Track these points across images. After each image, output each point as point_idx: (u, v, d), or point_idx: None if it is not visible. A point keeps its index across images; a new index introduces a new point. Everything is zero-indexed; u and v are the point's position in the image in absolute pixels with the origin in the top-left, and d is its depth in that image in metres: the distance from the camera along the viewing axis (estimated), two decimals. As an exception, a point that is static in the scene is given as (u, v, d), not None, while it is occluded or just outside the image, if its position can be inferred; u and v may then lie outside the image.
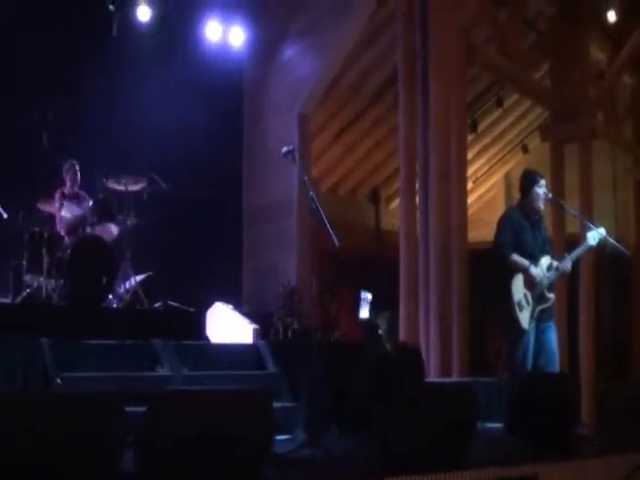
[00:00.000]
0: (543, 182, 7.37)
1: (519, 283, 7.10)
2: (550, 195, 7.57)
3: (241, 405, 4.30)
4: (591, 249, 7.43)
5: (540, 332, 7.10)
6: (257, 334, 8.33)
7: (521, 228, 7.25)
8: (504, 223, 7.32)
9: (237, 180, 11.89)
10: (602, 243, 7.39)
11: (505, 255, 7.11)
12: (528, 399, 5.81)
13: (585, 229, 7.62)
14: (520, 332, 7.03)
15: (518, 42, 10.76)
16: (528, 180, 7.39)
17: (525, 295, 7.08)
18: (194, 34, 10.82)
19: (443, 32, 9.52)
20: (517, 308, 7.03)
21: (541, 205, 7.37)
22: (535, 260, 7.16)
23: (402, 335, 9.47)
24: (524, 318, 7.03)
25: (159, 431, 3.95)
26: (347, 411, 6.48)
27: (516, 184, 7.72)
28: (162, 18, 10.27)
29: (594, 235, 7.25)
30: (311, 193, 5.84)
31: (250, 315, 8.82)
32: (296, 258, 11.18)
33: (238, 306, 9.23)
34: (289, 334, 9.24)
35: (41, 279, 8.25)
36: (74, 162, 9.03)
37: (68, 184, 9.02)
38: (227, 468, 4.03)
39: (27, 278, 8.31)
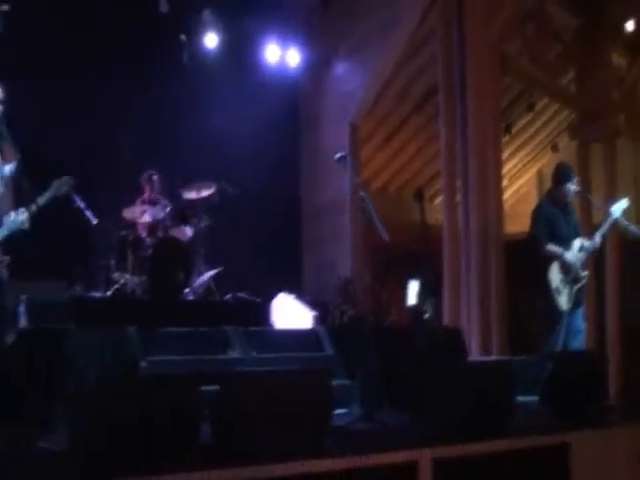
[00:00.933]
0: (576, 180, 7.30)
1: (555, 270, 7.05)
2: (579, 189, 7.50)
3: (303, 383, 4.34)
4: (617, 222, 7.27)
5: (570, 315, 7.04)
6: (316, 320, 8.35)
7: (553, 216, 7.20)
8: (537, 215, 7.28)
9: (295, 183, 11.92)
10: (625, 225, 7.23)
11: (541, 245, 7.07)
12: (561, 375, 5.77)
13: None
14: (559, 314, 6.98)
15: (546, 53, 10.67)
16: (563, 174, 7.31)
17: (562, 280, 7.03)
18: (256, 56, 10.90)
19: (478, 46, 9.48)
20: (556, 293, 6.99)
21: (570, 200, 7.32)
22: (568, 243, 7.10)
23: (446, 319, 9.46)
24: (563, 301, 6.99)
25: (231, 407, 4.01)
26: (397, 388, 6.49)
27: (548, 180, 7.66)
28: (227, 44, 10.37)
29: (618, 207, 7.14)
30: (362, 194, 5.85)
31: (310, 303, 8.84)
32: (350, 252, 11.19)
33: (299, 296, 9.25)
34: (345, 320, 9.25)
35: (127, 276, 8.38)
36: (151, 172, 9.13)
37: (147, 192, 9.13)
38: (292, 439, 4.08)
39: (115, 276, 8.44)
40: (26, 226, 4.85)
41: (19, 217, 4.83)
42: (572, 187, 7.22)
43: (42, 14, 8.65)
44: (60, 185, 4.92)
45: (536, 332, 9.35)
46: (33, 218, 4.80)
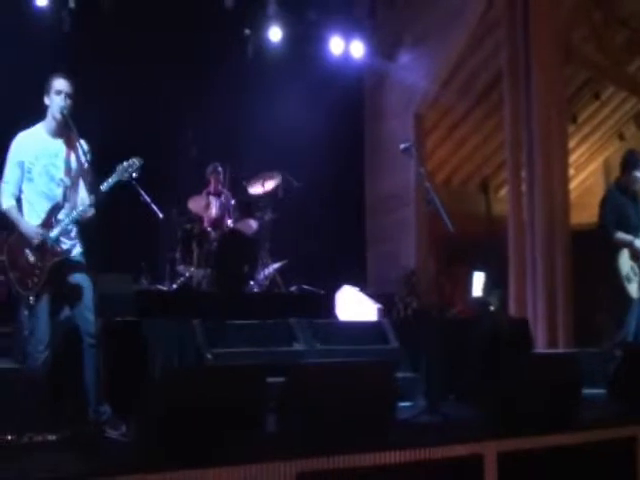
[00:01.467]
0: None
1: (625, 257, 6.93)
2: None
3: (367, 376, 4.35)
4: None
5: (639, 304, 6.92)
6: (380, 313, 8.33)
7: (622, 204, 7.08)
8: (606, 204, 7.16)
9: (360, 175, 11.90)
10: None
11: (610, 234, 6.96)
12: (630, 367, 5.67)
13: None
14: (630, 302, 6.87)
15: (613, 40, 10.48)
16: (632, 162, 7.18)
17: (632, 267, 6.92)
18: (320, 49, 10.88)
19: (543, 34, 9.37)
20: (626, 281, 6.88)
21: (638, 188, 7.17)
22: (638, 232, 6.99)
23: (512, 311, 9.37)
24: (633, 289, 6.87)
25: (296, 399, 4.03)
26: (462, 380, 6.45)
27: (615, 170, 7.55)
28: (291, 37, 10.39)
29: None
30: (427, 185, 5.82)
31: (374, 296, 8.83)
32: (414, 244, 11.13)
33: (363, 288, 9.24)
34: (409, 312, 9.22)
35: (192, 269, 8.45)
36: (217, 164, 9.19)
37: (212, 184, 9.19)
38: (356, 431, 4.08)
39: (180, 268, 8.53)
40: (90, 214, 4.92)
41: (86, 204, 4.92)
42: (639, 174, 7.08)
43: (108, 12, 8.78)
44: (126, 168, 4.96)
45: (601, 324, 9.22)
46: (99, 206, 4.85)
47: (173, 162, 8.82)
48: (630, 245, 6.92)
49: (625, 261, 6.92)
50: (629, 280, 6.88)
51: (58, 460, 3.91)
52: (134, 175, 5.02)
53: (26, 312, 4.94)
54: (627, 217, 7.02)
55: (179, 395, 3.75)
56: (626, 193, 7.13)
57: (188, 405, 3.72)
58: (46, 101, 5.00)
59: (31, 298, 4.80)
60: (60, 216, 4.93)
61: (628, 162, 7.20)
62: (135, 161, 5.00)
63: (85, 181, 5.04)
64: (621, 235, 6.94)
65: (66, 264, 4.93)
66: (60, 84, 4.96)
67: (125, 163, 4.98)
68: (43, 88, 4.99)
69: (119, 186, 4.99)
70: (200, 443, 3.71)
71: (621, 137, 14.41)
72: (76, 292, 4.89)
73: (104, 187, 4.89)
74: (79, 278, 4.92)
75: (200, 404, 3.75)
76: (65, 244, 4.97)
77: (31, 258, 4.85)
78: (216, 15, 9.54)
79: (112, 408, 4.83)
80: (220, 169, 9.19)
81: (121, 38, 8.79)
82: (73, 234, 5.02)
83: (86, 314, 4.83)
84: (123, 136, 8.14)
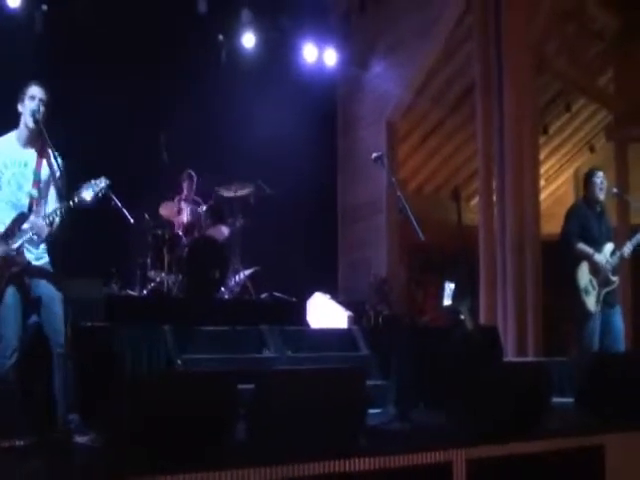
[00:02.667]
0: (600, 173, 7.25)
1: (585, 270, 6.98)
2: (615, 189, 7.45)
3: (337, 383, 4.33)
4: None
5: (606, 315, 6.97)
6: (351, 320, 8.34)
7: (586, 218, 7.14)
8: (570, 214, 7.23)
9: (332, 183, 11.93)
10: None
11: (571, 244, 7.01)
12: (596, 376, 5.72)
13: None
14: (587, 315, 6.92)
15: (584, 53, 10.59)
16: (587, 175, 7.32)
17: (591, 280, 6.96)
18: (293, 56, 10.90)
19: (516, 46, 9.46)
20: (584, 293, 6.93)
21: (601, 195, 7.22)
22: (599, 246, 7.04)
23: (482, 320, 9.42)
24: (590, 302, 6.92)
25: (266, 406, 4.02)
26: (432, 388, 6.47)
27: (584, 181, 7.60)
28: (265, 44, 10.41)
29: None
30: (399, 193, 5.82)
31: (345, 303, 8.83)
32: (386, 252, 11.18)
33: (334, 295, 9.24)
34: (380, 320, 9.23)
35: (163, 274, 8.42)
36: (191, 171, 9.19)
37: (186, 190, 9.18)
38: (326, 439, 4.08)
39: (151, 274, 8.50)
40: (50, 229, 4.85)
41: (39, 221, 4.86)
42: (597, 180, 7.16)
43: (80, 15, 8.73)
44: (91, 187, 4.88)
45: (567, 333, 9.30)
46: (67, 215, 4.80)
47: (145, 167, 8.77)
48: (590, 258, 6.97)
49: (584, 274, 6.97)
50: (587, 293, 6.93)
51: (28, 466, 3.87)
52: (101, 197, 4.95)
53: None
54: (590, 230, 7.08)
55: (148, 401, 3.72)
56: (593, 207, 7.20)
57: (157, 411, 3.70)
58: (19, 109, 4.94)
59: None
60: (25, 226, 4.86)
61: (586, 176, 7.34)
62: (100, 183, 4.91)
63: (56, 192, 4.96)
64: (582, 247, 6.99)
65: (31, 273, 4.87)
66: (34, 90, 4.92)
67: (91, 183, 4.90)
68: (14, 91, 4.95)
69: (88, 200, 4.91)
70: (169, 450, 3.69)
71: (591, 149, 14.57)
72: (44, 302, 4.84)
73: (71, 204, 4.82)
74: (46, 288, 4.86)
75: (169, 410, 3.72)
76: (31, 253, 4.90)
77: None
78: (190, 20, 9.53)
79: (81, 413, 4.80)
80: (194, 176, 9.17)
81: (94, 42, 8.76)
82: (39, 243, 4.95)
83: (55, 324, 4.79)
84: (94, 140, 8.11)
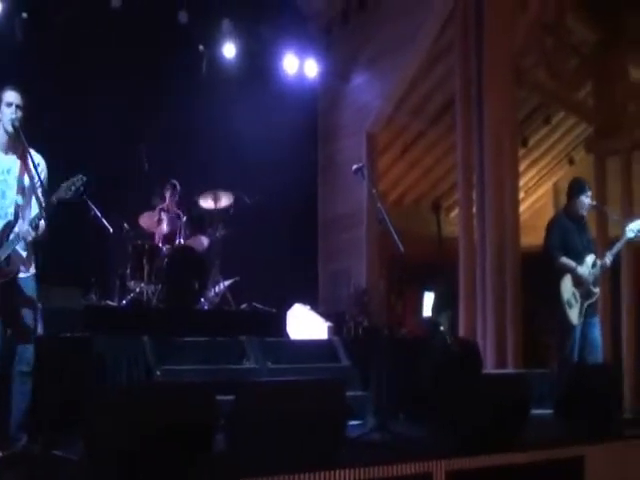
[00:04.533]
0: (589, 193, 7.27)
1: (568, 283, 7.01)
2: (594, 202, 7.48)
3: (317, 394, 4.33)
4: (630, 241, 7.26)
5: (585, 326, 7.00)
6: (331, 331, 8.35)
7: (568, 230, 7.16)
8: (552, 228, 7.24)
9: (313, 194, 11.94)
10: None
11: (554, 258, 7.04)
12: (575, 388, 5.75)
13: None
14: (570, 327, 6.94)
15: (563, 66, 10.68)
16: (576, 188, 7.28)
17: (574, 293, 6.99)
18: (274, 67, 10.92)
19: (496, 59, 9.51)
20: (567, 306, 6.95)
21: (585, 213, 7.28)
22: (581, 258, 7.07)
23: (461, 331, 9.44)
24: (573, 314, 6.94)
25: (246, 417, 4.01)
26: (412, 399, 6.48)
27: (564, 193, 7.62)
28: (245, 54, 10.42)
29: (632, 228, 7.11)
30: (379, 205, 5.85)
31: (325, 314, 8.84)
32: (366, 263, 11.19)
33: (314, 306, 9.25)
34: (360, 331, 9.23)
35: (142, 285, 8.36)
36: (175, 182, 9.16)
37: (168, 201, 9.15)
38: (306, 450, 4.08)
39: (131, 284, 8.44)
40: (33, 235, 4.81)
41: (24, 226, 4.81)
42: (586, 200, 7.19)
43: (61, 24, 8.71)
44: (69, 186, 4.81)
45: (548, 346, 9.34)
46: (49, 221, 4.76)
47: (124, 177, 8.75)
48: (573, 271, 7.00)
49: (567, 287, 6.99)
50: (570, 306, 6.95)
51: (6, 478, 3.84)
52: (81, 191, 4.89)
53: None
54: (572, 243, 7.11)
55: (127, 412, 3.71)
56: (573, 220, 7.23)
57: (136, 422, 3.68)
58: None
59: None
60: (11, 236, 4.81)
61: (573, 188, 7.31)
62: (78, 179, 4.84)
63: (37, 198, 4.91)
64: (565, 260, 7.02)
65: (15, 285, 4.82)
66: (11, 96, 4.88)
67: (70, 180, 4.84)
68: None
69: (69, 203, 4.88)
70: (148, 461, 3.67)
71: (571, 161, 14.67)
72: (19, 315, 4.78)
73: (52, 201, 4.77)
74: (25, 301, 4.82)
75: (148, 421, 3.71)
76: (16, 264, 4.85)
77: None
78: (170, 31, 9.53)
79: (59, 425, 4.76)
80: (178, 186, 9.15)
81: (74, 51, 8.74)
82: (25, 255, 4.90)
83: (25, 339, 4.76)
84: (74, 149, 8.07)
